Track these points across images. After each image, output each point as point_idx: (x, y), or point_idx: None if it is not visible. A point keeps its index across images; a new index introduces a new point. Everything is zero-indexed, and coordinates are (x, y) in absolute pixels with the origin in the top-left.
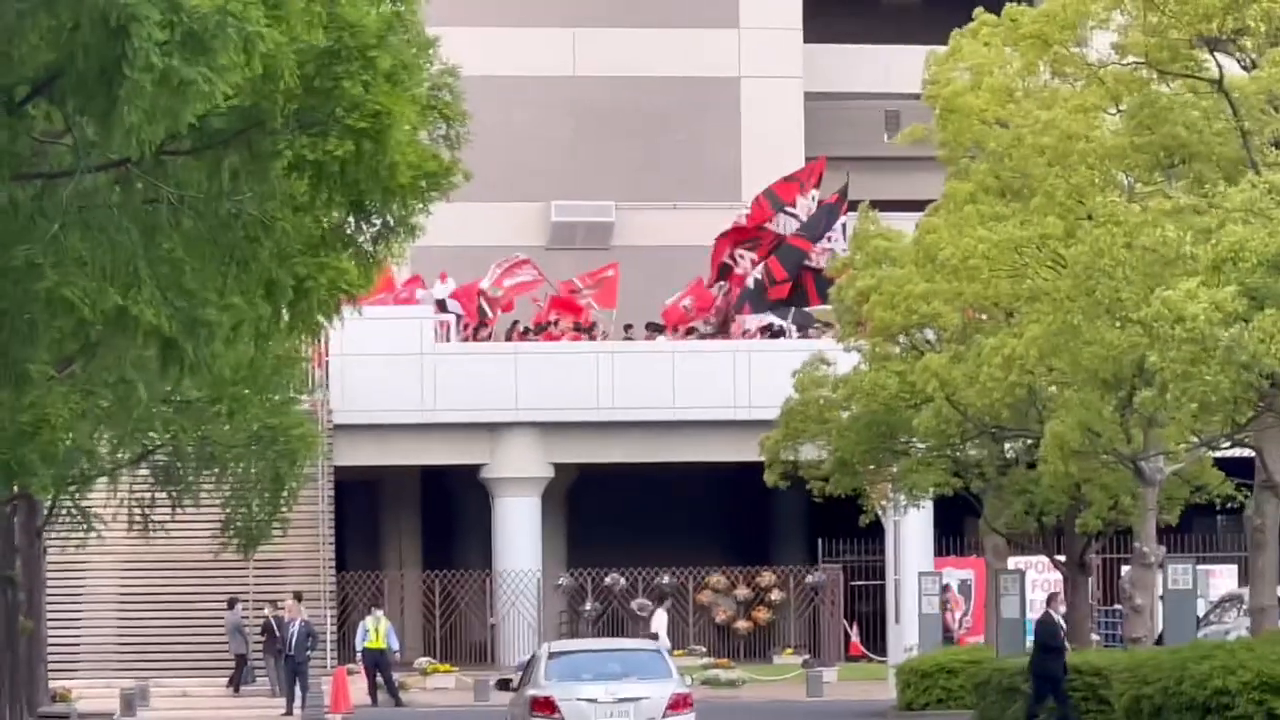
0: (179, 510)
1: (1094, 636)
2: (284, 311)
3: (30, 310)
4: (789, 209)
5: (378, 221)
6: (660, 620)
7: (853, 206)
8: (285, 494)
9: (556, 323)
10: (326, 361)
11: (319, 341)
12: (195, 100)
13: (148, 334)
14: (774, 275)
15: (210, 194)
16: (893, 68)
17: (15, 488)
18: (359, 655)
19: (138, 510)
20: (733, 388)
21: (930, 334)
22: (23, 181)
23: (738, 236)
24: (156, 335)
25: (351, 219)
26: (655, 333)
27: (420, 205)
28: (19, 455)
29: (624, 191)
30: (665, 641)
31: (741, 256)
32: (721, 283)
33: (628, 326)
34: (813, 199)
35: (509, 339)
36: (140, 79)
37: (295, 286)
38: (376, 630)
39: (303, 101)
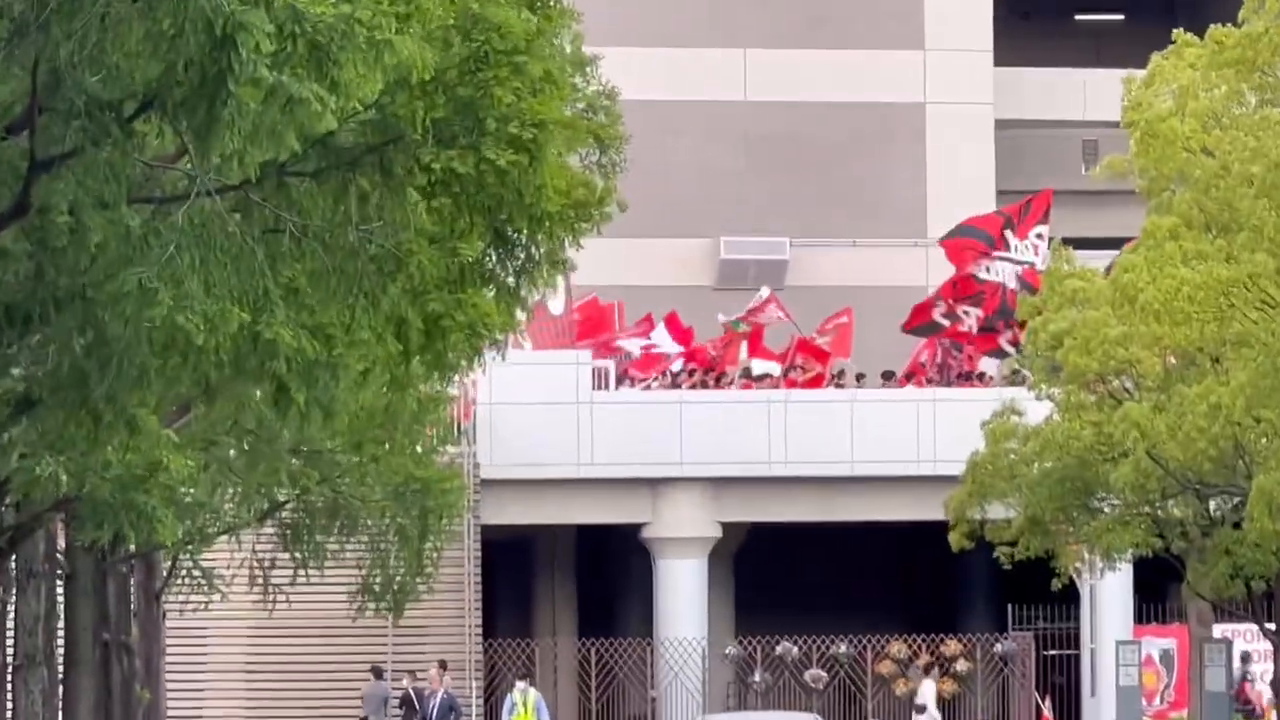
0: (307, 571)
1: None
2: (414, 354)
3: (140, 349)
4: (1000, 253)
5: (521, 255)
6: (929, 691)
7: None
8: (429, 552)
9: (791, 369)
10: (474, 410)
11: (466, 388)
12: (307, 121)
13: (285, 364)
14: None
15: (336, 221)
16: (1090, 93)
17: (133, 545)
18: None
19: (263, 572)
20: (916, 440)
21: (1129, 381)
22: (136, 206)
23: (959, 292)
24: (273, 377)
25: (493, 252)
26: (891, 382)
27: (568, 236)
28: (136, 502)
29: (799, 227)
30: (935, 715)
31: (966, 313)
32: (943, 340)
33: (860, 376)
34: (1038, 236)
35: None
36: (244, 95)
37: (427, 326)
38: (525, 704)
39: (444, 111)
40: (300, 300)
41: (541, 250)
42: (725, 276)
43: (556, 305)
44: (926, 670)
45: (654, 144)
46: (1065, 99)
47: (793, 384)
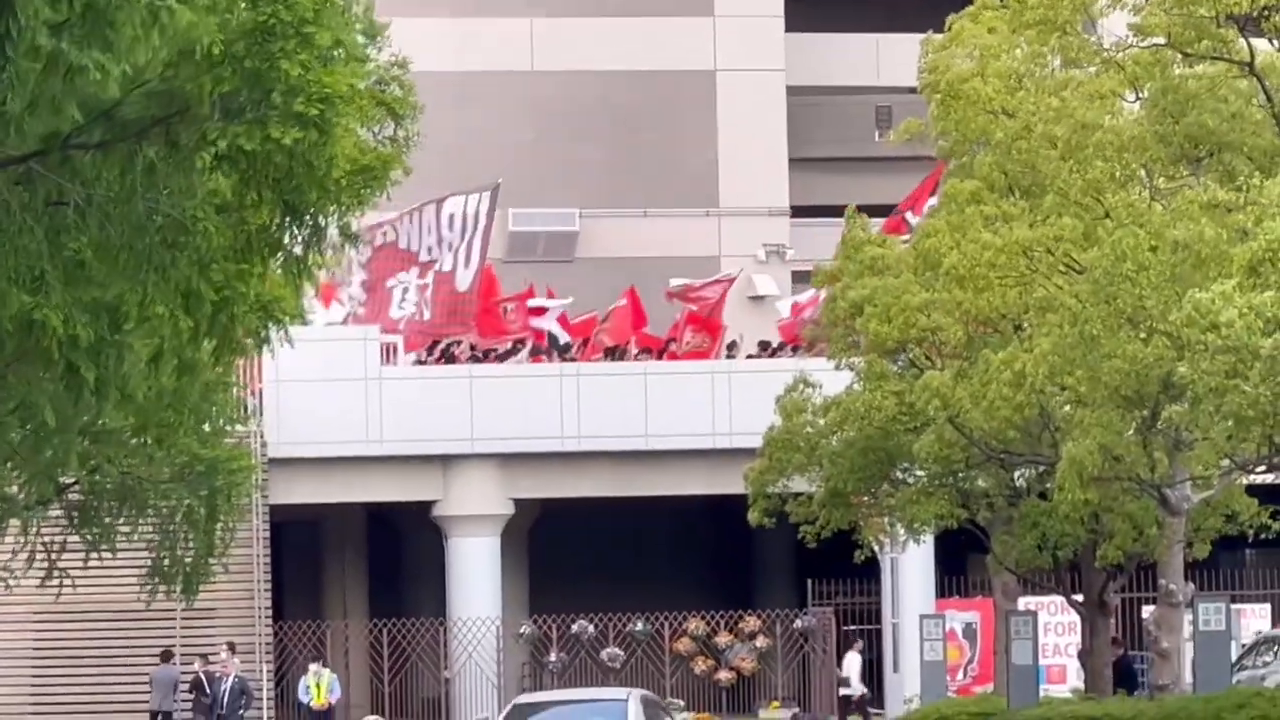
0: (98, 554)
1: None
2: (204, 331)
3: None
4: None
5: (309, 224)
6: (853, 664)
7: (836, 211)
8: (220, 531)
9: (671, 342)
10: (260, 388)
11: (251, 365)
12: (88, 90)
13: (56, 348)
14: None
15: (122, 193)
16: (884, 59)
17: None
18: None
19: (49, 555)
20: (711, 413)
21: (931, 349)
22: None
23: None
24: (61, 356)
25: (280, 221)
26: (768, 352)
27: (357, 205)
28: None
29: (589, 198)
30: (859, 688)
31: None
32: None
33: (731, 345)
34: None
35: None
36: (24, 65)
37: (215, 298)
38: (318, 687)
39: (232, 84)
40: (87, 276)
41: (330, 220)
42: (514, 248)
43: (464, 280)
44: (851, 642)
45: (439, 115)
46: (858, 65)
47: (674, 357)
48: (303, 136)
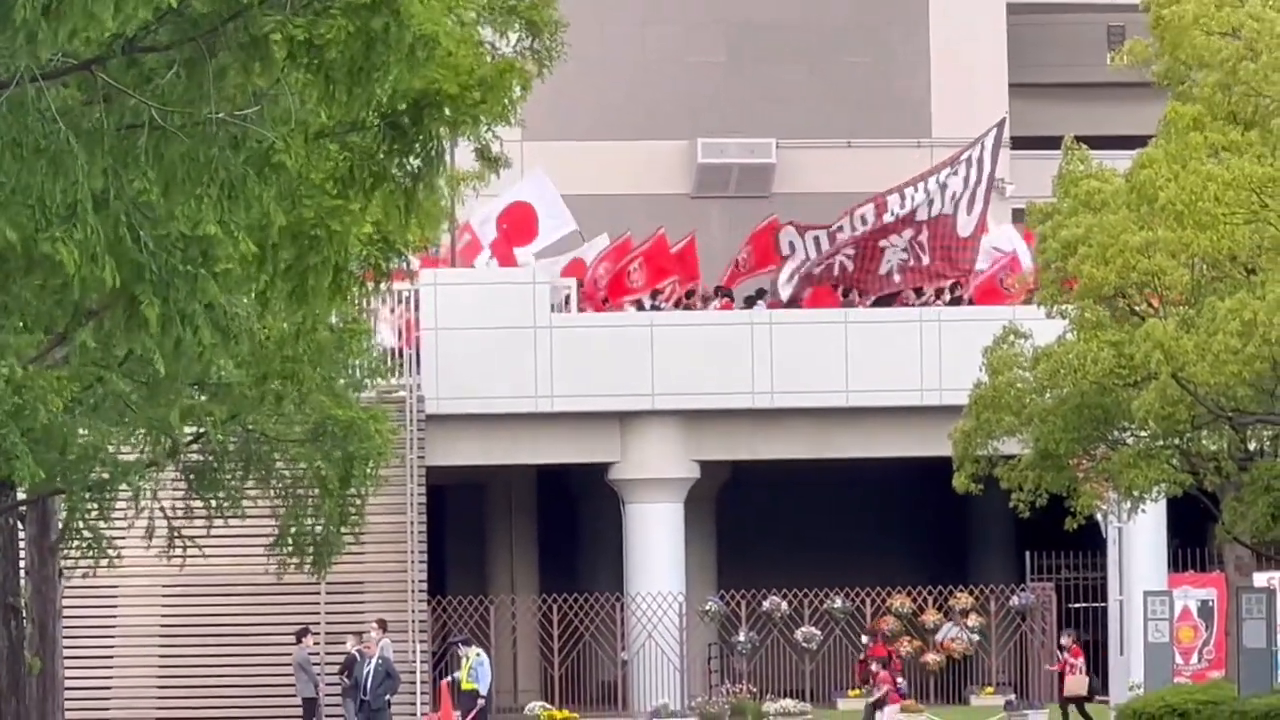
0: (222, 521)
1: None
2: (279, 270)
3: None
4: None
5: (418, 149)
6: None
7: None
8: (353, 500)
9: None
10: (417, 336)
11: (405, 309)
12: None
13: (112, 277)
14: None
15: (194, 102)
16: None
17: (19, 492)
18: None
19: (171, 523)
20: (919, 366)
21: (1153, 295)
22: None
23: None
24: (122, 289)
25: (386, 146)
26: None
27: (472, 123)
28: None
29: (787, 126)
30: None
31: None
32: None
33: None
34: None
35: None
36: None
37: (295, 241)
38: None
39: None
40: (148, 203)
41: (441, 141)
42: (704, 183)
43: (966, 226)
44: None
45: (622, 33)
46: None
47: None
48: (362, 27)
